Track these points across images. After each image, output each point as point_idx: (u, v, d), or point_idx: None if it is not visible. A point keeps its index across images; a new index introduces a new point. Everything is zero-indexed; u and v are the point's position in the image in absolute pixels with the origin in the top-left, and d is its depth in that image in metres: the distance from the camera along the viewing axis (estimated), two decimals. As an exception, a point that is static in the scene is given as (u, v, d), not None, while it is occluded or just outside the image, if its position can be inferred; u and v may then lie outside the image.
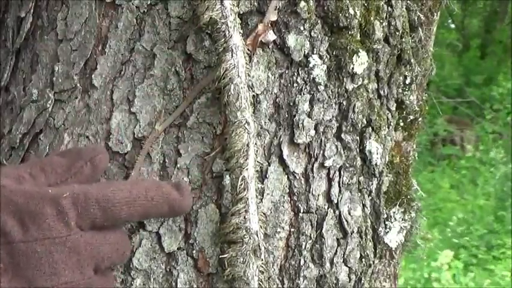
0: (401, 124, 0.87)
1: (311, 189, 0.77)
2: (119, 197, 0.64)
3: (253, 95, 0.74)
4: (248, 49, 0.72)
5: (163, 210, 0.67)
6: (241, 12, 0.73)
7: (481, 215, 5.58)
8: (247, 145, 0.71)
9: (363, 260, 0.82)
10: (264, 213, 0.75)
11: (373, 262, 0.84)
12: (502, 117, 7.31)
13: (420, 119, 0.89)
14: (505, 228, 5.33)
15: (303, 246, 0.77)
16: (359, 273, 0.82)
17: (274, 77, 0.75)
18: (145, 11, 0.74)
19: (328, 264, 0.79)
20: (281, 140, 0.76)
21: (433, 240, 4.82)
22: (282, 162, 0.76)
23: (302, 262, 0.77)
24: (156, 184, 0.68)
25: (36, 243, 0.61)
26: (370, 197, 0.82)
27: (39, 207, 0.62)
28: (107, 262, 0.66)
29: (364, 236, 0.82)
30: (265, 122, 0.75)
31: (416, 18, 0.84)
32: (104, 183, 0.68)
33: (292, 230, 0.77)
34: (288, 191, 0.76)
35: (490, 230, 5.35)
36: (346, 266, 0.80)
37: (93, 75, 0.74)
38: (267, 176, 0.75)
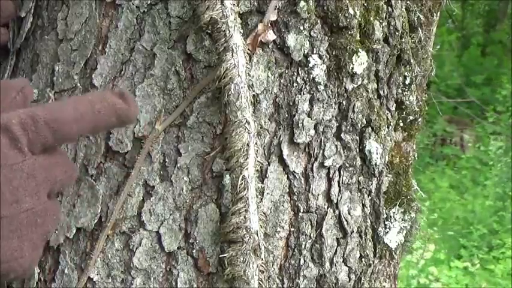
0: (401, 124, 0.87)
1: (311, 189, 0.77)
2: (66, 115, 0.63)
3: (253, 95, 0.74)
4: (248, 49, 0.72)
5: (111, 121, 0.66)
6: (241, 12, 0.73)
7: (482, 215, 5.58)
8: (248, 145, 0.71)
9: (363, 259, 0.82)
10: (264, 213, 0.75)
11: (373, 262, 0.84)
12: (504, 120, 7.30)
13: (420, 119, 0.89)
14: (504, 228, 5.33)
15: (303, 246, 0.77)
16: (359, 273, 0.82)
17: (274, 77, 0.75)
18: (146, 10, 0.74)
19: (328, 264, 0.79)
20: (281, 139, 0.76)
21: (432, 239, 4.82)
22: (282, 161, 0.76)
23: (302, 262, 0.77)
24: (100, 96, 0.66)
25: None
26: (369, 197, 0.82)
27: None
28: (58, 185, 0.66)
29: (363, 236, 0.82)
30: (265, 122, 0.75)
31: (416, 18, 0.84)
32: (49, 104, 0.68)
33: (292, 229, 0.77)
34: (287, 190, 0.76)
35: (490, 230, 5.35)
36: (346, 265, 0.80)
37: (93, 75, 0.75)
38: (267, 175, 0.75)
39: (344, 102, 0.78)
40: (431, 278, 4.41)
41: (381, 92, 0.82)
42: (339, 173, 0.79)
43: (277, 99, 0.75)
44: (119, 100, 0.66)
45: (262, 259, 0.72)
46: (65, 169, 0.67)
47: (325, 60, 0.76)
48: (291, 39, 0.74)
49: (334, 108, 0.78)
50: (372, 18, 0.78)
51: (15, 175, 0.62)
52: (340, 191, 0.79)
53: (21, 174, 0.62)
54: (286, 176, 0.76)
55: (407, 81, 0.85)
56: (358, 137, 0.80)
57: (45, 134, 0.63)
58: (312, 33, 0.75)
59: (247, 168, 0.71)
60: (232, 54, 0.70)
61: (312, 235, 0.78)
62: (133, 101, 0.67)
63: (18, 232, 0.63)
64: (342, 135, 0.78)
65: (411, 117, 0.87)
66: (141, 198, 0.74)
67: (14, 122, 0.62)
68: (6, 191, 0.61)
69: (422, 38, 0.86)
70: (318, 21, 0.75)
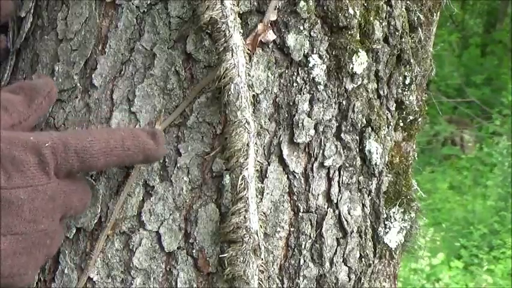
0: (401, 124, 0.87)
1: (311, 189, 0.77)
2: (96, 148, 0.65)
3: (253, 95, 0.74)
4: (248, 49, 0.72)
5: (138, 159, 0.68)
6: (241, 12, 0.73)
7: (483, 215, 5.58)
8: (247, 144, 0.71)
9: (363, 259, 0.82)
10: (263, 213, 0.75)
11: (373, 262, 0.84)
12: (509, 123, 7.29)
13: (420, 119, 0.89)
14: (505, 228, 5.33)
15: (303, 246, 0.77)
16: (359, 273, 0.82)
17: (274, 77, 0.75)
18: (145, 10, 0.74)
19: (327, 264, 0.79)
20: (281, 139, 0.76)
21: (431, 241, 4.82)
22: (282, 161, 0.76)
23: (302, 261, 0.77)
24: (132, 133, 0.68)
25: (20, 190, 0.62)
26: (369, 197, 0.82)
27: (22, 155, 0.63)
28: (72, 211, 0.67)
29: (363, 236, 0.82)
30: (265, 122, 0.75)
31: (416, 18, 0.84)
32: (81, 132, 0.69)
33: (292, 229, 0.77)
34: (287, 190, 0.76)
35: (491, 231, 5.35)
36: (346, 265, 0.80)
37: (93, 75, 0.75)
38: (267, 175, 0.75)
39: (344, 102, 0.78)
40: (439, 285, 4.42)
41: (381, 92, 0.82)
42: (339, 173, 0.79)
43: (277, 99, 0.75)
44: (150, 140, 0.69)
45: (262, 259, 0.72)
46: (81, 197, 0.68)
47: (325, 60, 0.76)
48: (291, 39, 0.74)
49: (334, 108, 0.78)
50: (371, 18, 0.78)
51: (38, 196, 0.63)
52: (340, 191, 0.79)
53: (43, 196, 0.64)
54: (286, 176, 0.76)
55: (407, 81, 0.85)
56: (358, 137, 0.80)
57: (73, 162, 0.65)
58: (311, 33, 0.75)
59: (247, 168, 0.71)
60: (232, 54, 0.70)
61: (311, 235, 0.78)
62: (163, 141, 0.70)
63: (28, 250, 0.64)
64: (342, 135, 0.78)
65: (411, 117, 0.87)
66: (141, 198, 0.74)
67: (46, 145, 0.64)
68: (27, 209, 0.63)
69: (422, 38, 0.86)
70: (318, 21, 0.75)
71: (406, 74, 0.84)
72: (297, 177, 0.77)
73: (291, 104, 0.76)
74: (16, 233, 0.62)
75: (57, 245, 0.69)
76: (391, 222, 0.86)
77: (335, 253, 0.79)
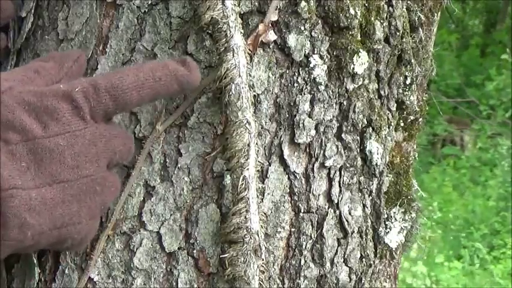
0: (402, 124, 0.87)
1: (311, 189, 0.77)
2: (127, 83, 0.65)
3: (254, 95, 0.74)
4: (249, 49, 0.72)
5: (173, 88, 0.67)
6: (242, 12, 0.73)
7: (483, 215, 5.58)
8: (248, 145, 0.71)
9: (363, 260, 0.82)
10: (264, 213, 0.75)
11: (374, 262, 0.84)
12: (500, 114, 7.28)
13: (420, 119, 0.89)
14: (506, 228, 5.33)
15: (304, 246, 0.77)
16: (359, 273, 0.82)
17: (275, 77, 0.75)
18: (146, 10, 0.74)
19: (328, 264, 0.79)
20: (282, 139, 0.76)
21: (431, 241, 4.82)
22: (283, 162, 0.76)
23: (302, 262, 0.77)
24: (161, 64, 0.67)
25: (59, 137, 0.62)
26: (370, 197, 0.82)
27: (55, 104, 0.63)
28: (118, 156, 0.67)
29: (364, 236, 0.82)
30: (265, 122, 0.75)
31: (416, 18, 0.84)
32: (109, 73, 0.68)
33: (292, 229, 0.77)
34: (288, 190, 0.76)
35: (491, 231, 5.35)
36: (347, 266, 0.80)
37: (94, 75, 0.75)
38: (268, 175, 0.75)
39: (345, 103, 0.78)
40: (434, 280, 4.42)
41: (382, 92, 0.82)
42: (340, 173, 0.79)
43: (278, 100, 0.75)
44: (180, 67, 0.67)
45: (262, 259, 0.72)
46: (124, 141, 0.68)
47: (326, 60, 0.76)
48: (292, 40, 0.74)
49: (335, 109, 0.78)
50: (372, 19, 0.78)
51: (77, 141, 0.63)
52: (340, 191, 0.79)
53: (82, 140, 0.63)
54: (286, 176, 0.76)
55: (408, 81, 0.85)
56: (358, 137, 0.80)
57: (107, 101, 0.64)
58: (312, 34, 0.75)
59: (247, 169, 0.71)
60: (233, 55, 0.70)
61: (312, 235, 0.78)
62: (195, 67, 0.68)
63: (78, 197, 0.64)
64: (343, 135, 0.78)
65: (412, 117, 0.87)
66: (142, 198, 0.74)
67: (77, 90, 0.63)
68: (68, 156, 0.62)
69: (423, 38, 0.86)
70: (319, 21, 0.75)
71: (406, 74, 0.84)
72: (298, 177, 0.77)
73: (292, 104, 0.76)
74: (61, 181, 0.62)
75: (112, 193, 0.68)
76: (392, 223, 0.86)
77: (336, 253, 0.79)
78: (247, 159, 0.71)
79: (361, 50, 0.78)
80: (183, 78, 0.67)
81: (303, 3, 0.74)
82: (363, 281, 0.82)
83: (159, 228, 0.74)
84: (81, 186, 0.64)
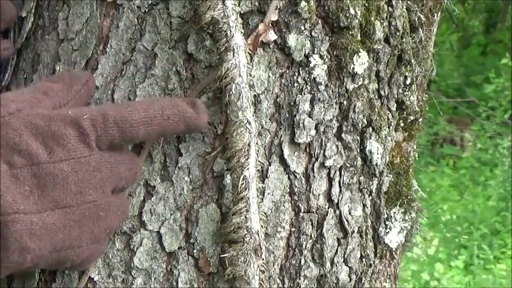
0: (402, 124, 0.87)
1: (311, 189, 0.77)
2: (136, 117, 0.65)
3: (254, 95, 0.74)
4: (249, 49, 0.72)
5: (179, 128, 0.68)
6: (242, 12, 0.73)
7: (483, 215, 5.58)
8: (248, 145, 0.71)
9: (363, 260, 0.82)
10: (264, 213, 0.75)
11: (374, 262, 0.84)
12: (499, 115, 7.28)
13: (420, 119, 0.89)
14: (506, 228, 5.33)
15: (304, 246, 0.77)
16: (359, 273, 0.82)
17: (275, 77, 0.75)
18: (147, 10, 0.74)
19: (328, 264, 0.79)
20: (282, 139, 0.76)
21: (432, 241, 4.82)
22: (283, 161, 0.76)
23: (303, 262, 0.77)
24: (171, 102, 0.68)
25: (63, 163, 0.62)
26: (370, 197, 0.82)
27: (62, 129, 0.63)
28: (124, 181, 0.67)
29: (364, 236, 0.82)
30: (266, 122, 0.75)
31: (416, 18, 0.84)
32: (120, 104, 0.69)
33: (292, 229, 0.77)
34: (288, 190, 0.76)
35: (492, 231, 5.35)
36: (347, 265, 0.80)
37: (94, 75, 0.75)
38: (268, 175, 0.75)
39: (345, 103, 0.78)
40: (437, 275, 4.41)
41: (382, 92, 0.82)
42: (340, 173, 0.79)
43: (278, 99, 0.75)
44: (189, 109, 0.68)
45: (263, 259, 0.72)
46: (129, 166, 0.68)
47: (326, 60, 0.76)
48: (292, 39, 0.74)
49: (335, 108, 0.78)
50: (372, 19, 0.78)
51: (81, 168, 0.63)
52: (340, 191, 0.79)
53: (87, 167, 0.64)
54: (287, 176, 0.76)
55: (408, 82, 0.85)
56: (358, 137, 0.80)
57: (114, 132, 0.65)
58: (312, 34, 0.75)
59: (248, 168, 0.71)
60: (233, 55, 0.70)
61: (312, 235, 0.78)
62: (204, 110, 0.69)
63: (80, 222, 0.64)
64: (343, 135, 0.78)
65: (412, 117, 0.87)
66: (142, 198, 0.74)
67: (85, 117, 0.64)
68: (72, 182, 0.63)
69: (423, 38, 0.86)
70: (319, 21, 0.75)
71: (406, 74, 0.84)
72: (298, 177, 0.77)
73: (292, 104, 0.76)
74: (64, 206, 0.63)
75: (118, 217, 0.68)
76: (392, 223, 0.86)
77: (336, 253, 0.79)
78: (247, 159, 0.71)
79: (361, 50, 0.78)
80: (190, 121, 0.68)
81: (303, 3, 0.74)
82: (363, 281, 0.82)
83: (159, 228, 0.74)
84: (84, 211, 0.64)
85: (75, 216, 0.64)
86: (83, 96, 0.70)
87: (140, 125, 0.65)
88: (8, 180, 0.61)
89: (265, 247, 0.74)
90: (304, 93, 0.76)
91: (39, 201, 0.62)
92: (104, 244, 0.69)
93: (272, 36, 0.74)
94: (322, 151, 0.77)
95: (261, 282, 0.72)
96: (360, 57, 0.78)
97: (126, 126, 0.65)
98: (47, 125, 0.63)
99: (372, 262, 0.83)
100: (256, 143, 0.72)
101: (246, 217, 0.71)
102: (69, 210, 0.63)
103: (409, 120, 0.87)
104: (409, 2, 0.83)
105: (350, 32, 0.77)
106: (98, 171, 0.65)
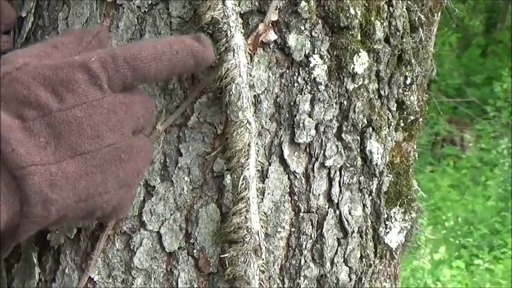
0: (402, 124, 0.87)
1: (312, 189, 0.77)
2: (145, 54, 0.64)
3: (254, 95, 0.74)
4: (249, 49, 0.72)
5: (188, 63, 0.67)
6: (242, 12, 0.73)
7: (483, 215, 5.58)
8: (248, 145, 0.71)
9: (364, 260, 0.82)
10: (264, 213, 0.75)
11: (374, 262, 0.84)
12: (505, 116, 7.27)
13: (421, 119, 0.89)
14: (506, 228, 5.33)
15: (304, 246, 0.77)
16: (359, 273, 0.82)
17: (275, 77, 0.75)
18: (146, 10, 0.74)
19: (328, 264, 0.79)
20: (282, 139, 0.76)
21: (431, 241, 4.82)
22: (283, 161, 0.76)
23: (303, 262, 0.77)
24: (178, 39, 0.67)
25: (75, 109, 0.61)
26: (370, 197, 0.83)
27: (70, 75, 0.62)
28: (142, 120, 0.66)
29: (364, 236, 0.82)
30: (266, 122, 0.75)
31: (416, 18, 0.84)
32: (127, 44, 0.68)
33: (292, 229, 0.77)
34: (288, 190, 0.76)
35: (491, 231, 5.35)
36: (347, 265, 0.80)
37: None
38: (268, 175, 0.75)
39: (345, 103, 0.78)
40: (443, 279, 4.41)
41: (382, 92, 0.82)
42: (340, 173, 0.79)
43: (278, 100, 0.75)
44: (196, 43, 0.67)
45: (263, 259, 0.72)
46: (145, 105, 0.67)
47: (326, 60, 0.76)
48: (292, 39, 0.74)
49: (335, 109, 0.78)
50: (372, 19, 0.78)
51: (96, 111, 0.62)
52: (341, 191, 0.79)
53: (101, 110, 0.62)
54: (287, 176, 0.76)
55: (408, 82, 0.85)
56: (359, 137, 0.80)
57: (125, 71, 0.63)
58: (313, 34, 0.75)
59: (248, 169, 0.71)
60: (234, 55, 0.70)
61: (312, 235, 0.78)
62: (209, 44, 0.68)
63: (101, 167, 0.63)
64: (343, 135, 0.78)
65: (412, 117, 0.87)
66: (142, 198, 0.74)
67: (94, 60, 0.62)
68: (87, 126, 0.61)
69: (423, 38, 0.86)
70: (319, 21, 0.75)
71: (407, 74, 0.84)
72: (298, 177, 0.77)
73: (292, 104, 0.76)
74: (83, 153, 0.61)
75: (143, 158, 0.67)
76: (392, 223, 0.86)
77: (336, 253, 0.79)
78: (247, 159, 0.71)
79: (361, 50, 0.78)
80: (198, 54, 0.67)
81: (303, 3, 0.74)
82: (363, 281, 0.82)
83: (159, 228, 0.74)
84: (104, 156, 0.62)
85: (96, 162, 0.62)
86: (94, 48, 0.68)
87: (151, 61, 0.64)
88: (21, 134, 0.59)
89: (265, 247, 0.74)
90: (304, 93, 0.76)
91: (57, 151, 0.60)
92: (132, 188, 0.67)
93: (272, 36, 0.74)
94: (322, 151, 0.77)
95: (261, 283, 0.72)
96: (360, 57, 0.78)
97: (137, 63, 0.63)
98: (54, 74, 0.61)
99: (372, 262, 0.83)
100: (256, 143, 0.72)
101: (246, 217, 0.71)
102: (89, 156, 0.62)
103: (409, 120, 0.87)
104: (409, 2, 0.83)
105: (350, 32, 0.77)
106: (114, 113, 0.63)
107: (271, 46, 0.74)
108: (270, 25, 0.74)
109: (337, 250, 0.79)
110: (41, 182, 0.59)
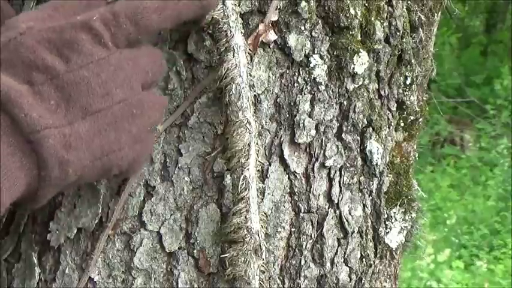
0: (402, 124, 0.87)
1: (312, 189, 0.77)
2: (147, 5, 0.63)
3: (254, 95, 0.74)
4: (249, 49, 0.72)
5: (194, 8, 0.66)
6: (242, 12, 0.73)
7: (483, 215, 5.57)
8: (249, 145, 0.71)
9: (364, 260, 0.82)
10: (264, 213, 0.75)
11: (374, 262, 0.84)
12: (505, 115, 7.27)
13: (421, 119, 0.89)
14: (506, 228, 5.33)
15: (304, 246, 0.77)
16: (359, 273, 0.82)
17: (275, 77, 0.75)
18: (147, 10, 0.73)
19: (328, 264, 0.79)
20: (282, 139, 0.76)
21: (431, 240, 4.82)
22: (283, 162, 0.76)
23: (303, 262, 0.77)
24: None
25: (82, 70, 0.61)
26: (370, 197, 0.82)
27: (74, 36, 0.61)
28: (151, 74, 0.66)
29: (364, 236, 0.82)
30: (266, 122, 0.75)
31: (417, 18, 0.84)
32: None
33: (292, 229, 0.77)
34: (288, 190, 0.76)
35: (491, 231, 5.34)
36: (347, 265, 0.80)
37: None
38: (268, 175, 0.75)
39: (345, 103, 0.78)
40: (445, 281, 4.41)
41: (382, 92, 0.82)
42: (340, 173, 0.79)
43: (278, 100, 0.75)
44: None
45: (263, 259, 0.72)
46: (153, 59, 0.67)
47: (326, 60, 0.76)
48: (292, 40, 0.74)
49: (335, 109, 0.78)
50: (373, 19, 0.78)
51: (102, 69, 0.62)
52: (341, 191, 0.79)
53: (108, 67, 0.62)
54: (287, 176, 0.76)
55: (408, 82, 0.85)
56: (359, 137, 0.80)
57: (128, 26, 0.63)
58: (313, 34, 0.75)
59: (248, 169, 0.71)
60: (234, 55, 0.70)
61: (312, 235, 0.78)
62: None
63: (114, 125, 0.62)
64: (343, 135, 0.78)
65: (412, 117, 0.87)
66: (142, 198, 0.74)
67: (95, 18, 0.62)
68: (96, 85, 0.61)
69: (423, 38, 0.86)
70: (319, 21, 0.75)
71: (407, 74, 0.84)
72: (298, 177, 0.77)
73: (292, 104, 0.76)
74: (94, 112, 0.61)
75: (156, 112, 0.66)
76: (392, 223, 0.86)
77: (336, 253, 0.79)
78: (247, 159, 0.71)
79: (361, 50, 0.78)
80: None
81: (303, 3, 0.74)
82: (363, 281, 0.82)
83: (159, 228, 0.74)
84: (116, 112, 0.62)
85: (108, 119, 0.62)
86: (95, 5, 0.67)
87: (153, 12, 0.63)
88: (32, 99, 0.59)
89: (265, 247, 0.74)
90: (304, 93, 0.76)
91: (68, 113, 0.60)
92: (148, 143, 0.67)
93: (272, 36, 0.74)
94: (322, 151, 0.77)
95: (261, 283, 0.72)
96: (360, 57, 0.78)
97: (138, 17, 0.63)
98: (58, 36, 0.61)
99: (372, 262, 0.83)
100: (256, 143, 0.72)
101: (246, 217, 0.71)
102: (100, 115, 0.61)
103: (409, 120, 0.87)
104: (409, 2, 0.83)
105: (350, 32, 0.77)
106: (120, 69, 0.62)
107: (271, 46, 0.74)
108: (270, 25, 0.74)
109: (337, 250, 0.79)
110: (56, 145, 0.59)
